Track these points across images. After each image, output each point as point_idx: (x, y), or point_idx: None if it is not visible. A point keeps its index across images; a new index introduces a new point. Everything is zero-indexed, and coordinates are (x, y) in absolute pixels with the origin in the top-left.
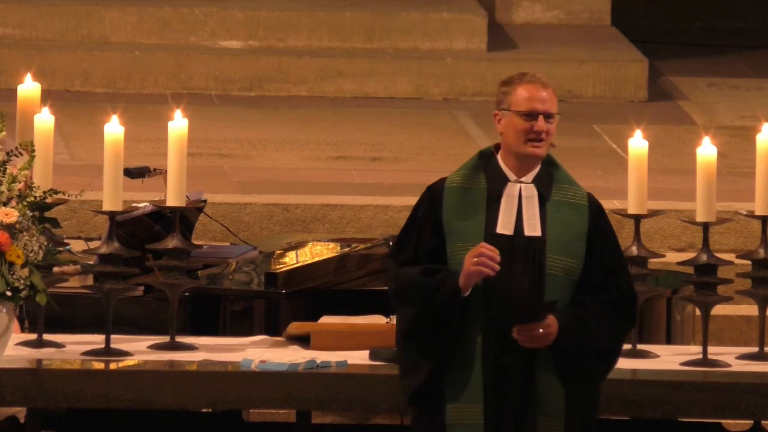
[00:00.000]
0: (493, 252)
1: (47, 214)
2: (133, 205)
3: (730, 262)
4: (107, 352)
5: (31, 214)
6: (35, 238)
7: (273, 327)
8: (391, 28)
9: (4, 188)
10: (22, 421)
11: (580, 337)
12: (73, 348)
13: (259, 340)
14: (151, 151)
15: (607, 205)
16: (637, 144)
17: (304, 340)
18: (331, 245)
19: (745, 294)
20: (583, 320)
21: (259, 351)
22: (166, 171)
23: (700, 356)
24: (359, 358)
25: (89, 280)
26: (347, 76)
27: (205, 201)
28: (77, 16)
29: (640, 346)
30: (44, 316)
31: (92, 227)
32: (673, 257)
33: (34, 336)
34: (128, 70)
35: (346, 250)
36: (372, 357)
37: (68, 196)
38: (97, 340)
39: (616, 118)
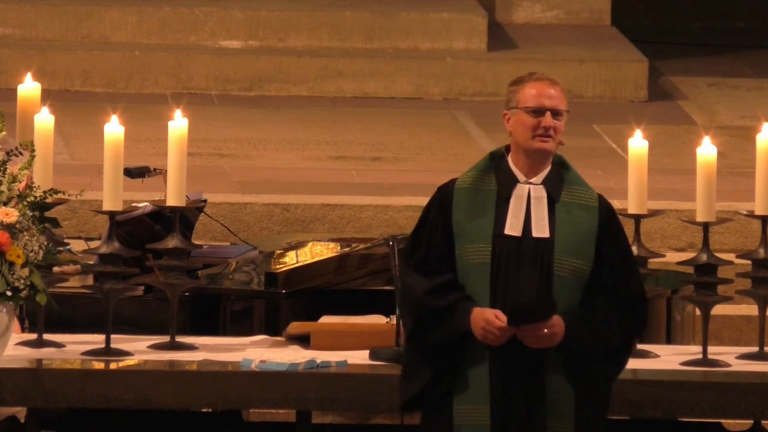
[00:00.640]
0: (498, 330)
1: (47, 214)
2: (133, 205)
3: (730, 262)
4: (107, 352)
5: (31, 214)
6: (35, 238)
7: (273, 327)
8: (391, 28)
9: (4, 188)
10: (22, 421)
11: (588, 337)
12: (73, 348)
13: (259, 340)
14: (151, 151)
15: None
16: (637, 144)
17: (304, 340)
18: (331, 245)
19: (745, 294)
20: (592, 321)
21: (259, 351)
22: (166, 171)
23: (700, 356)
24: (359, 358)
25: (89, 280)
26: (347, 76)
27: (205, 201)
28: (77, 16)
29: (640, 346)
30: (44, 316)
31: (92, 227)
32: (673, 257)
33: (34, 336)
34: (128, 70)
35: (346, 250)
36: (372, 357)
37: (68, 196)
38: (97, 340)
39: (616, 118)
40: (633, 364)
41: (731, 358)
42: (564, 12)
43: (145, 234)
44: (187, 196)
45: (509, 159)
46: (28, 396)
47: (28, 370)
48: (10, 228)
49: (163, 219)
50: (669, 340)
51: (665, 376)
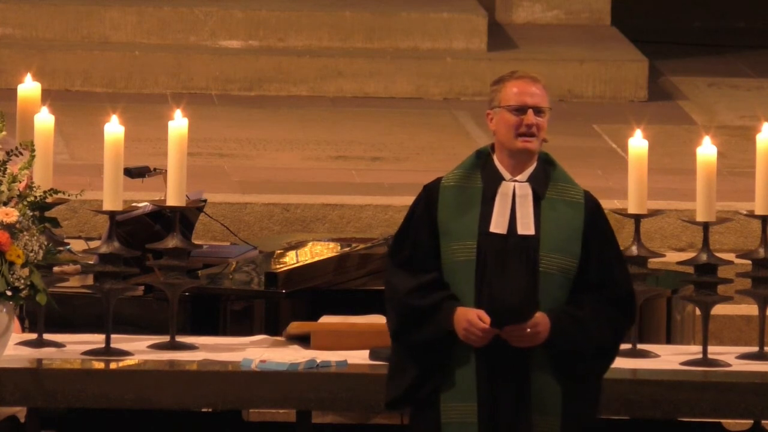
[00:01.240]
0: (480, 331)
1: (47, 214)
2: (133, 204)
3: (730, 262)
4: (107, 351)
5: (31, 213)
6: (35, 237)
7: (273, 327)
8: (391, 28)
9: (4, 188)
10: (22, 421)
11: (576, 334)
12: (73, 348)
13: (259, 339)
14: (151, 151)
15: (607, 205)
16: (637, 144)
17: (304, 340)
18: (331, 245)
19: (745, 294)
20: (579, 318)
21: (259, 351)
22: (166, 171)
23: (700, 356)
24: (359, 358)
25: (89, 280)
26: (347, 76)
27: (205, 201)
28: (77, 16)
29: (640, 346)
30: (44, 316)
31: (92, 227)
32: (673, 257)
33: (34, 336)
34: (128, 70)
35: (346, 250)
36: (372, 357)
37: (68, 196)
38: (97, 339)
39: (616, 118)
40: (633, 364)
41: (731, 358)
42: (564, 12)
43: (145, 234)
44: (187, 196)
45: (494, 157)
46: (28, 396)
47: (28, 370)
48: (10, 228)
49: (163, 219)
50: (669, 340)
51: (665, 376)
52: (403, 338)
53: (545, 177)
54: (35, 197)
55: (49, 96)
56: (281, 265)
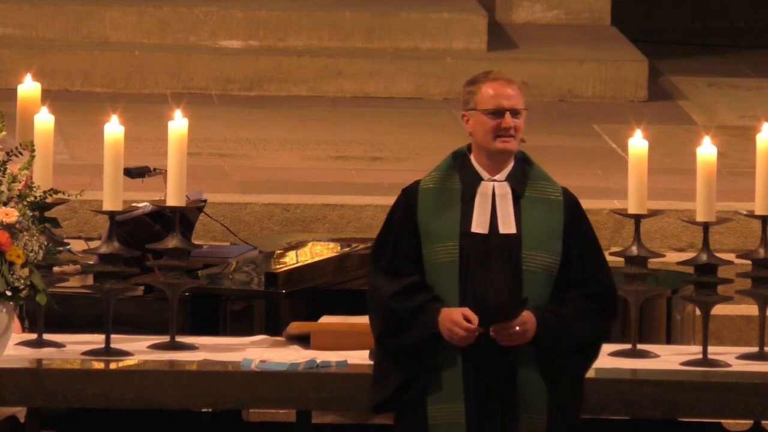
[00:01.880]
0: (465, 330)
1: (47, 214)
2: (133, 205)
3: (730, 262)
4: (107, 352)
5: (31, 214)
6: (35, 237)
7: (273, 327)
8: (391, 28)
9: (4, 188)
10: (22, 421)
11: (560, 332)
12: (73, 348)
13: (259, 340)
14: (151, 151)
15: (607, 205)
16: (637, 144)
17: (304, 340)
18: (331, 245)
19: (745, 294)
20: (563, 316)
21: (259, 351)
22: (166, 171)
23: (700, 356)
24: (359, 358)
25: (89, 280)
26: (347, 76)
27: (205, 201)
28: (77, 16)
29: (640, 346)
30: (44, 316)
31: (92, 227)
32: (673, 257)
33: (34, 336)
34: (128, 70)
35: (346, 250)
36: (372, 357)
37: (68, 196)
38: (97, 340)
39: (616, 118)
40: (633, 364)
41: (731, 358)
42: (564, 12)
43: (145, 234)
44: (187, 196)
45: (472, 157)
46: (28, 396)
47: (28, 370)
48: (10, 228)
49: (163, 219)
50: (669, 340)
51: (665, 376)
52: (387, 342)
53: (523, 176)
54: (35, 197)
55: (49, 96)
56: (281, 265)
